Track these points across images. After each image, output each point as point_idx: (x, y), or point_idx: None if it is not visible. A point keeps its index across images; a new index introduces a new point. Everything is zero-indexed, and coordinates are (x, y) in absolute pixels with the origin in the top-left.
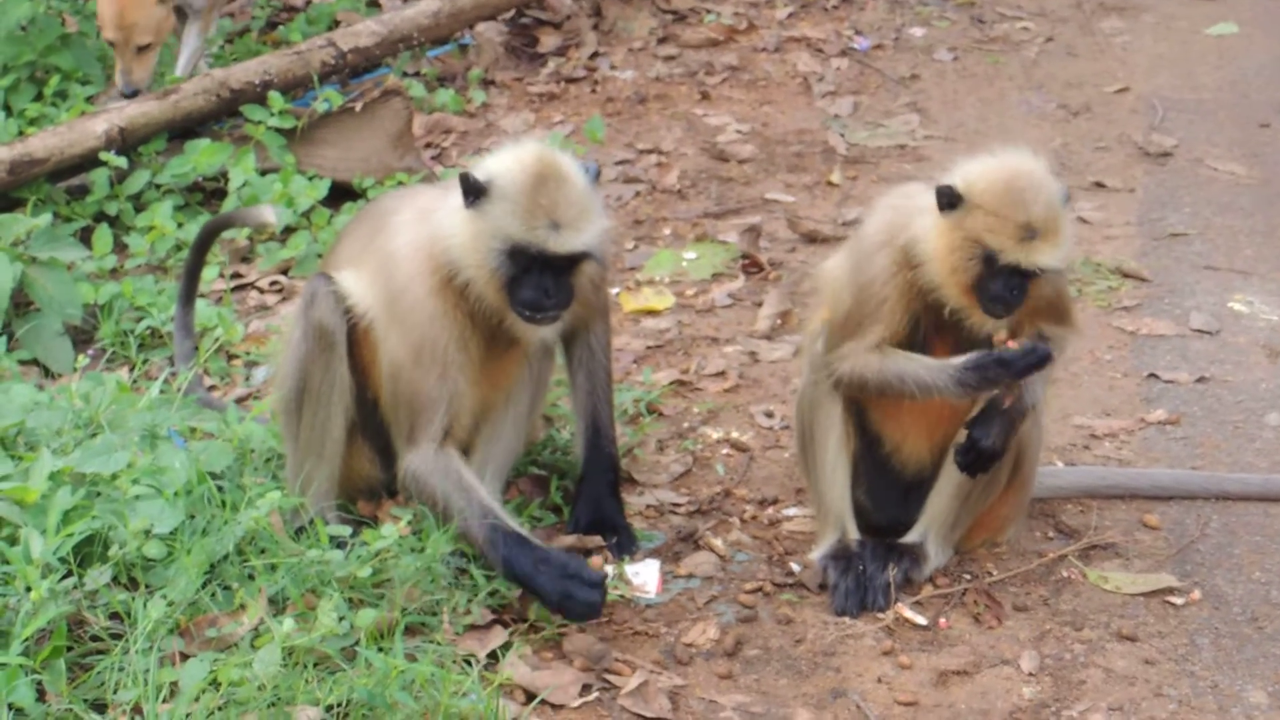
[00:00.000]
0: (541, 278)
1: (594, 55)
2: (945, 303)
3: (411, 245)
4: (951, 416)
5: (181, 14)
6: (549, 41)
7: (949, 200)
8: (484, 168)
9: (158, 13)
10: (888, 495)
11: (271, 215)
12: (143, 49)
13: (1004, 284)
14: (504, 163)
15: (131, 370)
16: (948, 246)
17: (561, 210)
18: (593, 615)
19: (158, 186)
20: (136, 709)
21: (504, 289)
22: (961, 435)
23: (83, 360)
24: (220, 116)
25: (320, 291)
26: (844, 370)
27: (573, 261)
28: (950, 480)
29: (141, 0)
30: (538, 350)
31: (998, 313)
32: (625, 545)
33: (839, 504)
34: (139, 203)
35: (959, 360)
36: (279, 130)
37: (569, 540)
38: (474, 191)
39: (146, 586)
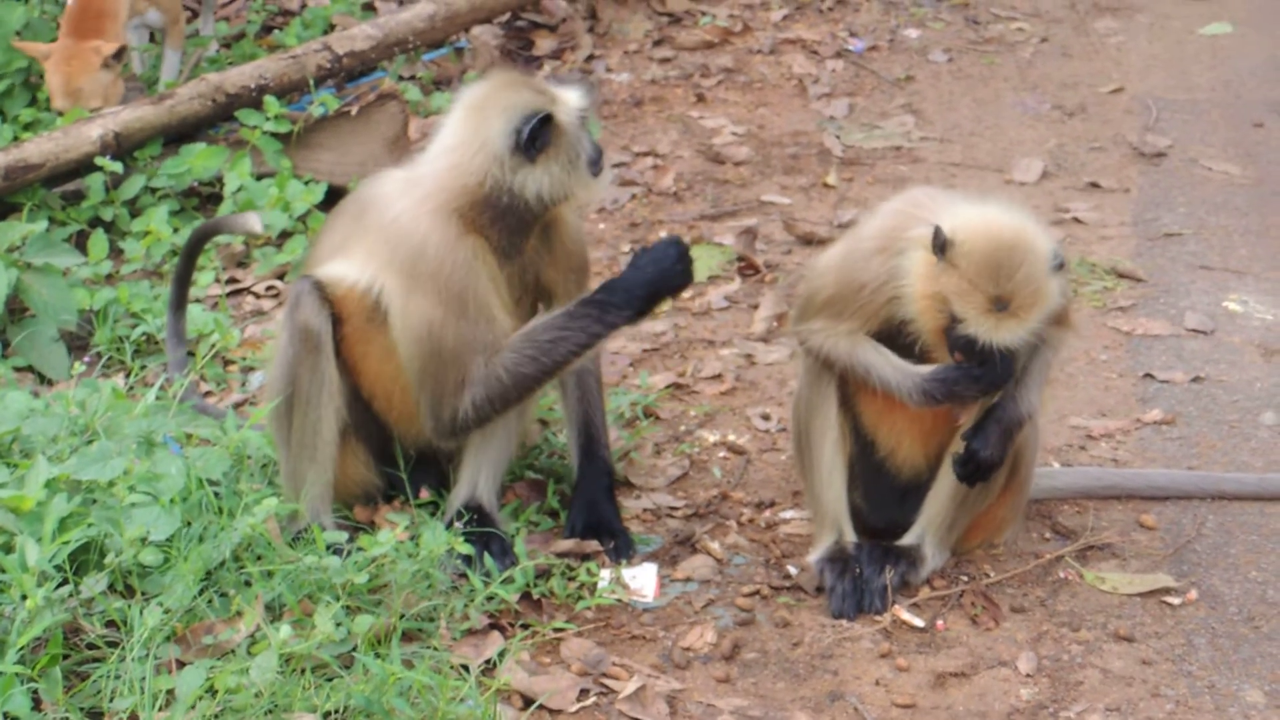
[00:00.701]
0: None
1: (589, 58)
2: (919, 334)
3: (419, 206)
4: (947, 421)
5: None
6: (544, 44)
7: (939, 246)
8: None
9: (104, 78)
10: (884, 497)
11: (258, 223)
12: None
13: (966, 346)
14: (553, 96)
15: (127, 376)
16: (926, 290)
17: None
18: (688, 253)
19: (153, 191)
20: (133, 717)
21: (584, 170)
22: (959, 445)
23: (78, 367)
24: (215, 121)
25: (304, 294)
26: (814, 343)
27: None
28: (947, 483)
29: (86, 66)
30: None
31: (968, 360)
32: (622, 549)
33: (835, 506)
34: (134, 208)
35: (927, 370)
36: (274, 134)
37: (567, 545)
38: (534, 138)
39: (143, 594)
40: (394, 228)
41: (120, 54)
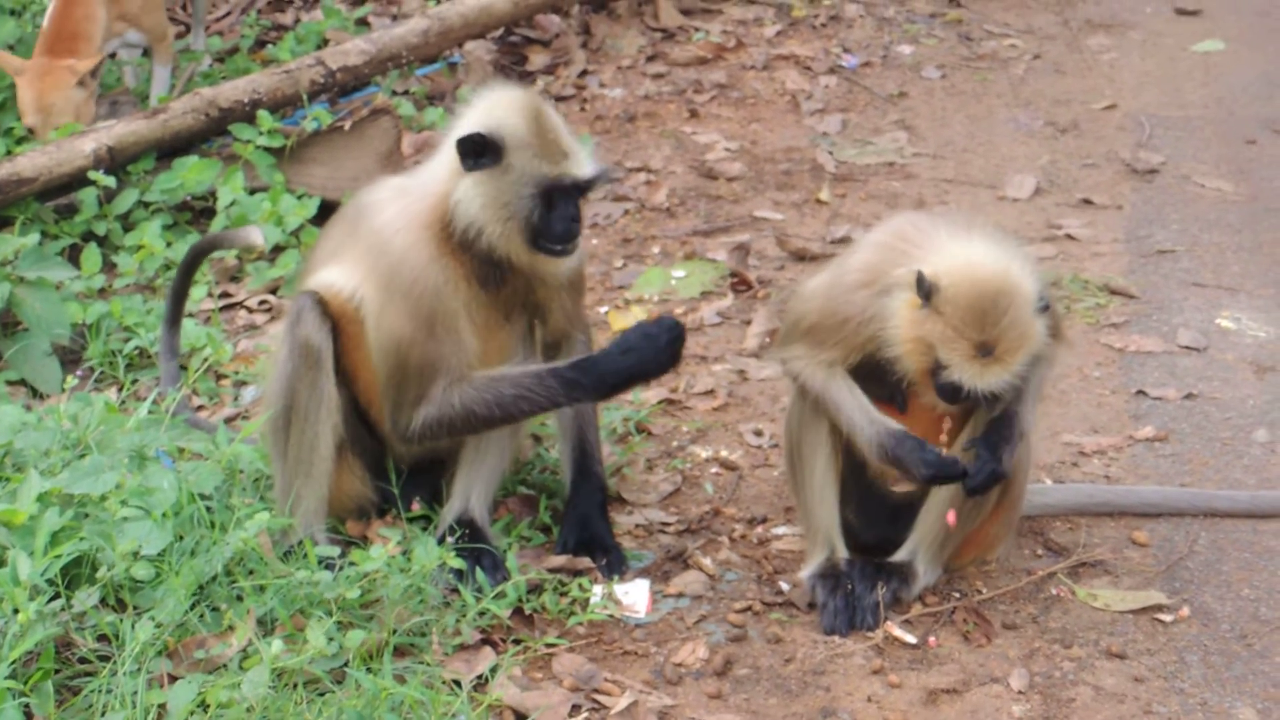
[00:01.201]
0: (567, 209)
1: (583, 73)
2: (903, 373)
3: (401, 217)
4: (938, 443)
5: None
6: (538, 60)
7: (924, 292)
8: (482, 125)
9: (77, 96)
10: (876, 514)
11: (259, 236)
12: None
13: (950, 391)
14: (498, 116)
15: (120, 390)
16: (910, 335)
17: (566, 140)
18: (683, 337)
19: (146, 205)
20: None
21: (529, 234)
22: (962, 455)
23: (71, 380)
24: (209, 135)
25: (306, 309)
26: (793, 368)
27: (591, 187)
28: (939, 500)
29: (59, 83)
30: (520, 332)
31: (949, 402)
32: (615, 565)
33: (827, 523)
34: (127, 222)
35: (893, 429)
36: (268, 149)
37: (559, 561)
38: (479, 152)
39: (135, 608)
40: (377, 238)
41: (95, 72)
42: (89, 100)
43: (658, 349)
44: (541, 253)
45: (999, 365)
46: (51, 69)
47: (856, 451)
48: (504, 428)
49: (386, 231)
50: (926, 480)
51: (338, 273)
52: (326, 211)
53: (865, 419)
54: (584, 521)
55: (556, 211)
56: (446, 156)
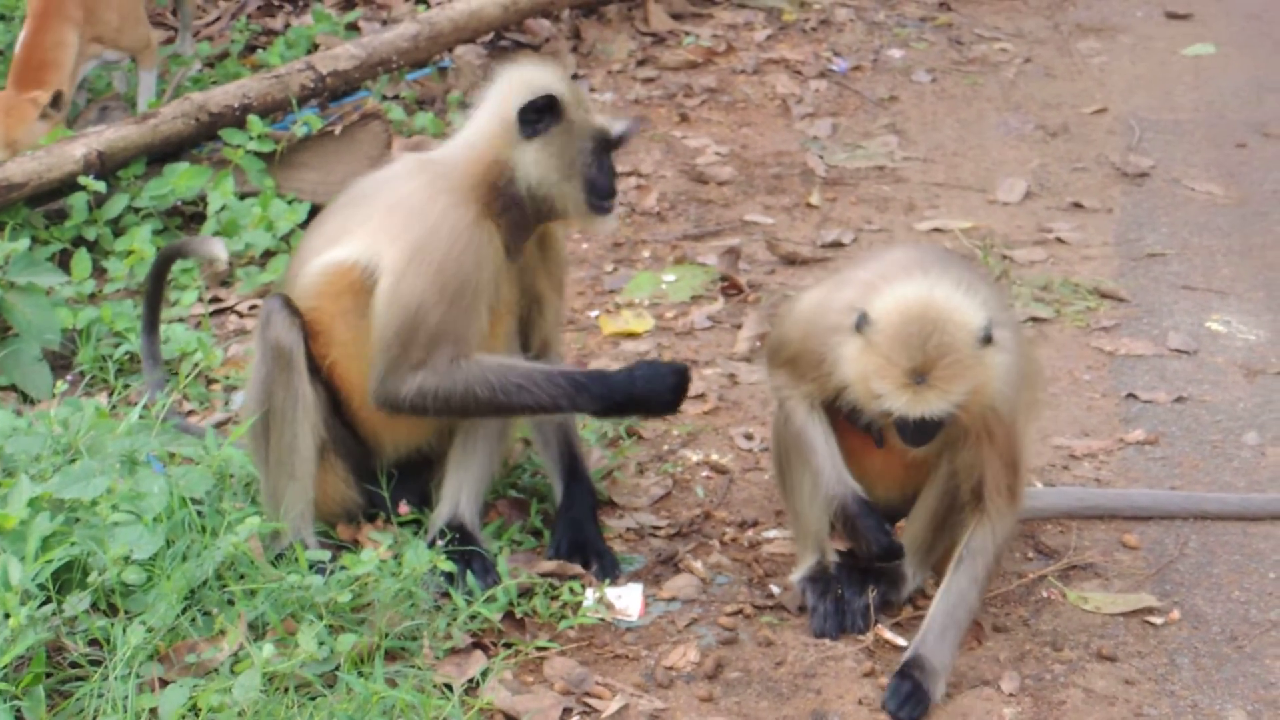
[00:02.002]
0: (608, 165)
1: (573, 78)
2: (860, 408)
3: (433, 185)
4: (921, 465)
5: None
6: None
7: (859, 326)
8: (530, 90)
9: (40, 128)
10: None
11: (221, 249)
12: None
13: (900, 428)
14: (544, 81)
15: (110, 395)
16: (854, 371)
17: (590, 100)
18: (687, 381)
19: (136, 210)
20: None
21: (588, 191)
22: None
23: (61, 386)
24: (199, 140)
25: (274, 311)
26: (778, 391)
27: (626, 139)
28: (925, 508)
29: (23, 117)
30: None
31: (908, 442)
32: (608, 569)
33: (816, 526)
34: (117, 227)
35: (858, 496)
36: (258, 154)
37: (551, 566)
38: (539, 115)
39: (126, 612)
40: (407, 205)
41: (57, 101)
42: (57, 127)
43: (665, 385)
44: (594, 212)
45: (933, 393)
46: (16, 104)
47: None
48: (494, 417)
49: (417, 197)
50: (867, 557)
51: (347, 249)
52: (317, 218)
53: (835, 475)
54: (576, 525)
55: (602, 167)
56: (485, 128)
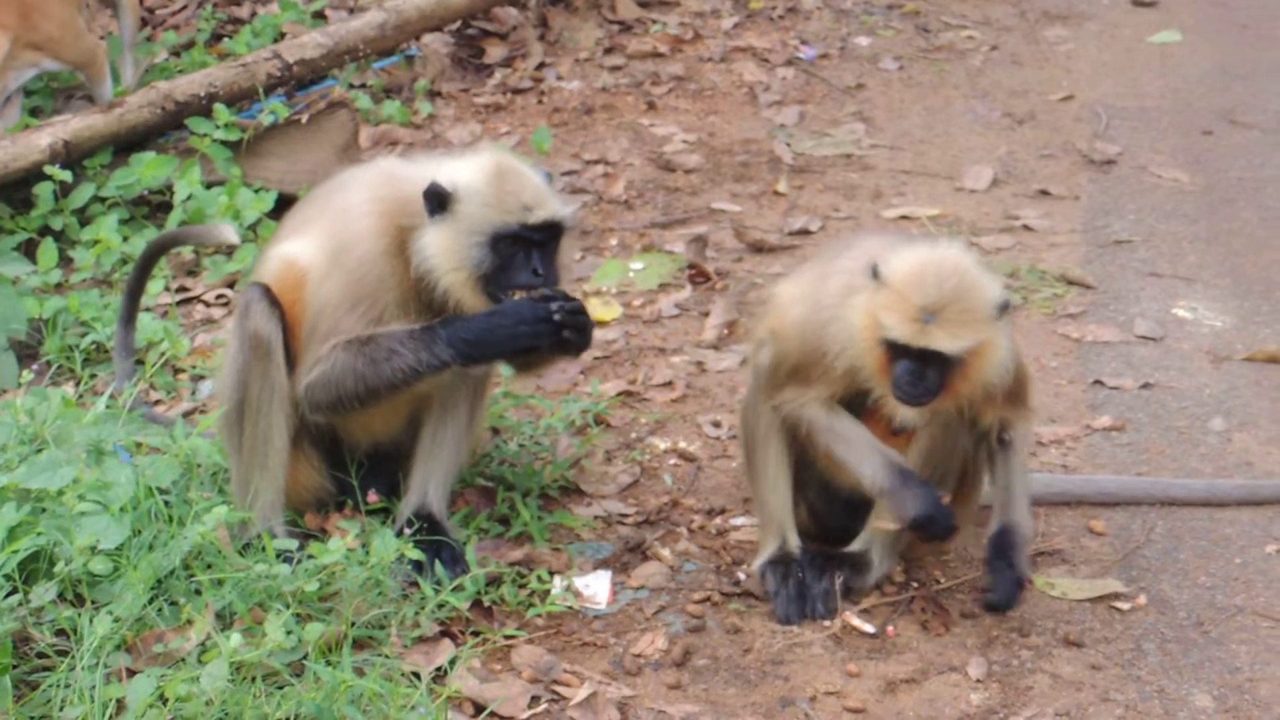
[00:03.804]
0: (528, 260)
1: (540, 66)
2: (873, 390)
3: (370, 203)
4: (896, 442)
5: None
6: (495, 53)
7: (873, 272)
8: (444, 177)
9: None
10: (835, 505)
11: (232, 233)
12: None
13: (901, 364)
14: (462, 168)
15: (77, 385)
16: (861, 321)
17: (529, 195)
18: (559, 327)
19: (103, 200)
20: None
21: (487, 285)
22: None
23: (27, 375)
24: (165, 129)
25: (254, 301)
26: (794, 413)
27: (551, 235)
28: None
29: None
30: None
31: (900, 395)
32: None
33: (780, 513)
34: (84, 216)
35: (901, 466)
36: (225, 143)
37: (518, 554)
38: (440, 201)
39: (93, 602)
40: (344, 216)
41: None
42: None
43: (523, 318)
44: (493, 302)
45: (941, 331)
46: None
47: (852, 478)
48: (390, 393)
49: (353, 211)
50: (913, 526)
51: (299, 244)
52: (284, 205)
53: (871, 449)
54: None
55: (516, 262)
56: (426, 164)
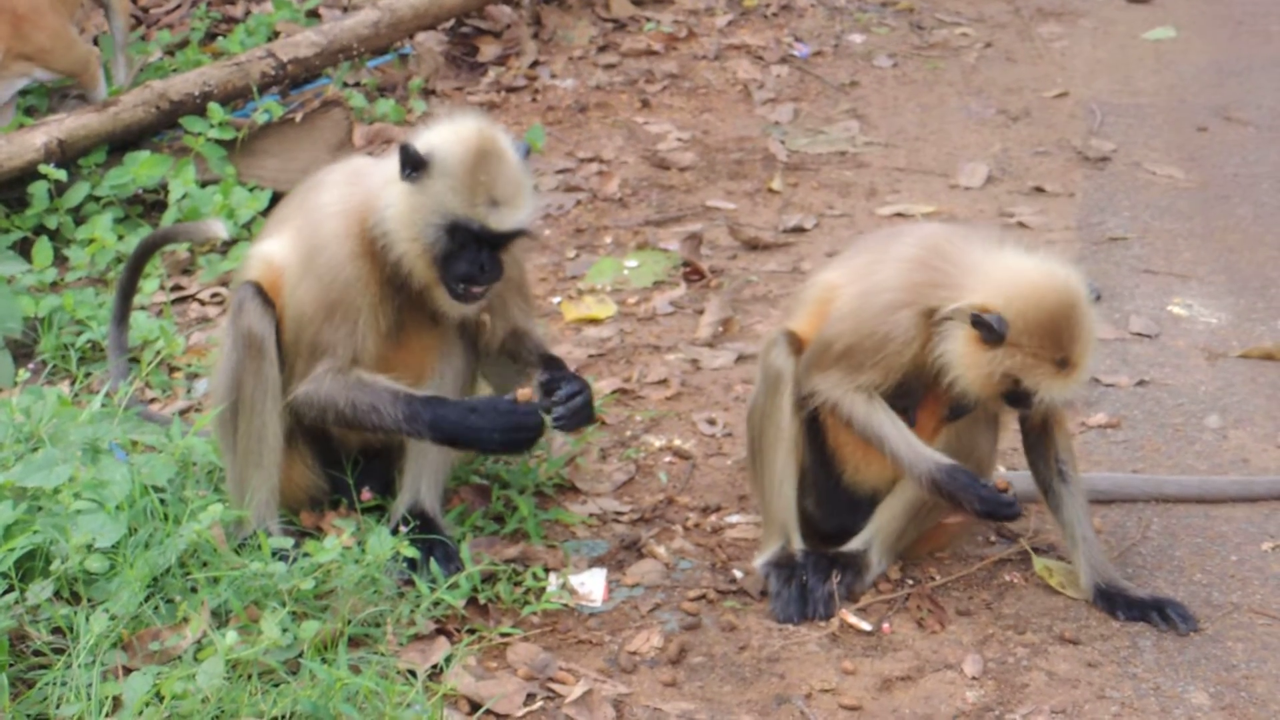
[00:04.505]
0: (478, 254)
1: (534, 64)
2: (960, 393)
3: (338, 204)
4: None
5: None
6: (489, 51)
7: (994, 336)
8: (425, 140)
9: None
10: (837, 505)
11: (221, 228)
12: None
13: (1028, 405)
14: (444, 137)
15: (72, 384)
16: (983, 370)
17: (500, 188)
18: (537, 438)
19: (97, 199)
20: None
21: (436, 264)
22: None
23: (23, 374)
24: (160, 128)
25: (247, 299)
26: (825, 395)
27: (509, 239)
28: (903, 496)
29: None
30: (453, 332)
31: (1019, 407)
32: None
33: (784, 514)
34: (79, 215)
35: (943, 461)
36: (219, 142)
37: (513, 552)
38: (414, 164)
39: (89, 600)
40: (313, 219)
41: None
42: None
43: (500, 426)
44: (443, 286)
45: (1075, 371)
46: None
47: (903, 474)
48: (365, 432)
49: (321, 213)
50: (982, 516)
51: (276, 244)
52: (278, 204)
53: (914, 453)
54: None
55: (466, 252)
56: (396, 159)
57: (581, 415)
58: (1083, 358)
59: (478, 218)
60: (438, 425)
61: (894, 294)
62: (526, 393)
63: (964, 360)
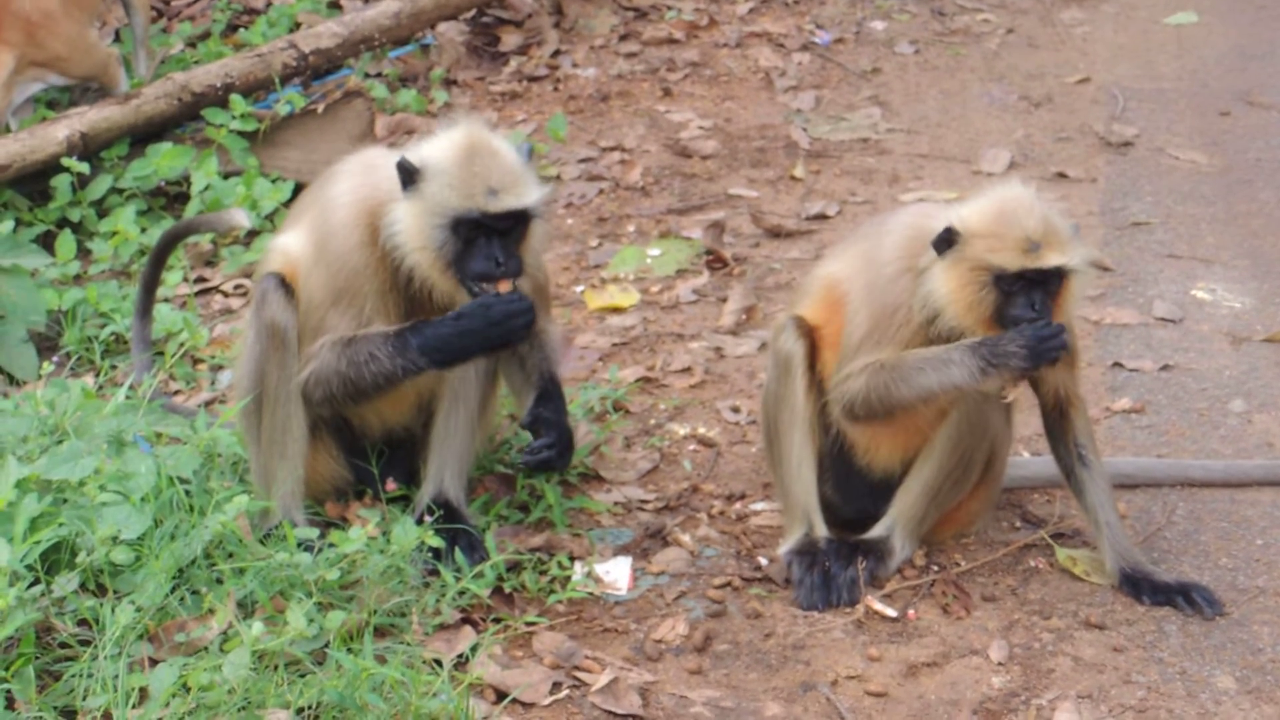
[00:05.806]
0: (489, 247)
1: (556, 53)
2: (964, 328)
3: (348, 194)
4: (924, 424)
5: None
6: (510, 40)
7: (948, 240)
8: (417, 153)
9: None
10: (856, 489)
11: (244, 218)
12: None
13: (1022, 293)
14: (435, 145)
15: (97, 376)
16: (959, 284)
17: (496, 177)
18: (532, 321)
19: (120, 191)
20: (106, 715)
21: (452, 268)
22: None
23: (47, 367)
24: (182, 120)
25: (270, 290)
26: (854, 391)
27: (515, 223)
28: (920, 478)
29: None
30: None
31: (1030, 340)
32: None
33: (805, 499)
34: (102, 208)
35: (964, 345)
36: (241, 133)
37: (538, 541)
38: (410, 176)
39: (115, 592)
40: (326, 208)
41: None
42: None
43: (489, 320)
44: (464, 290)
45: (1050, 251)
46: None
47: (954, 398)
48: (377, 393)
49: (332, 204)
50: (1033, 360)
51: (293, 236)
52: (300, 194)
53: (941, 362)
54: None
55: (476, 247)
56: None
57: (546, 467)
58: (1049, 235)
59: (476, 205)
60: (428, 346)
61: (892, 265)
62: (507, 285)
63: (943, 289)
